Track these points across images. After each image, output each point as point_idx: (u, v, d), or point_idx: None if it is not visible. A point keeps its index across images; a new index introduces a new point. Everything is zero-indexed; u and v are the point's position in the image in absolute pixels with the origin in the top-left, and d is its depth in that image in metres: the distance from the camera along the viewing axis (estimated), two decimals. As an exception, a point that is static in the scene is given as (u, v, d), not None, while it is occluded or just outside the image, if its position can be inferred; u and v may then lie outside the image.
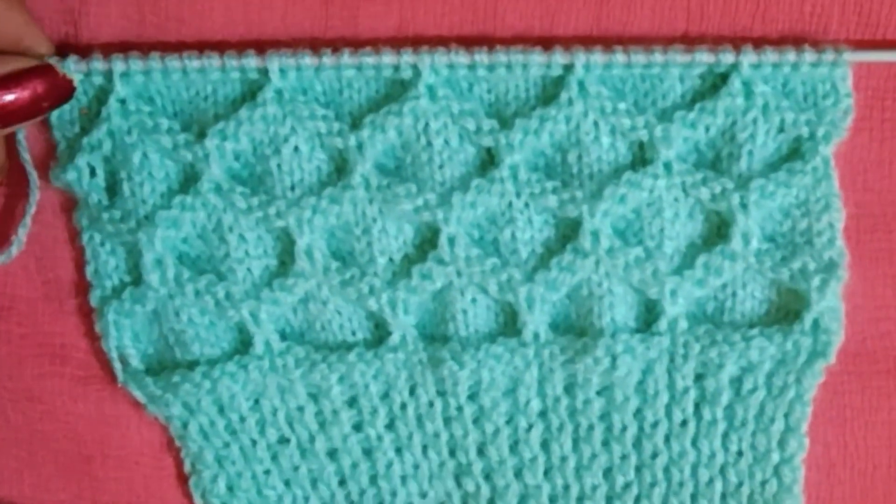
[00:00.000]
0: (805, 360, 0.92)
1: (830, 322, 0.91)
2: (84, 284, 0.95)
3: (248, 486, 0.97)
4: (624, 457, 0.95)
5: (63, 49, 0.90)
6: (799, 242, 0.90)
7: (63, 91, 0.87)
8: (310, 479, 0.97)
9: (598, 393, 0.94)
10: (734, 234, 0.90)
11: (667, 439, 0.95)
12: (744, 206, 0.89)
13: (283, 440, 0.97)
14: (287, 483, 0.97)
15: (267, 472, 0.97)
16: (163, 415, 0.96)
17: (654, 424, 0.94)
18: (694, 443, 0.95)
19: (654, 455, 0.95)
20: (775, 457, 0.94)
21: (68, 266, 0.96)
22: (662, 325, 0.92)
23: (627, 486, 0.96)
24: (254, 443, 0.96)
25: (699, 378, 0.93)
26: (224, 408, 0.95)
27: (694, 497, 0.96)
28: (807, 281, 0.90)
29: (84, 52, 0.89)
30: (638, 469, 0.96)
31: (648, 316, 0.93)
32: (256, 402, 0.95)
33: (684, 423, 0.94)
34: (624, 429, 0.95)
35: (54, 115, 0.90)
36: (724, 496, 0.95)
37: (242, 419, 0.96)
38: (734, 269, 0.91)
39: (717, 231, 0.91)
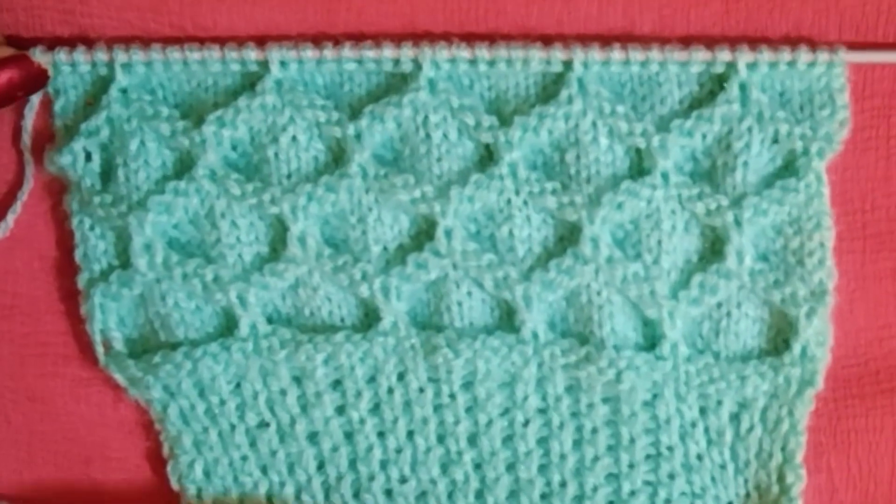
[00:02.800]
0: (795, 392, 0.91)
1: (817, 348, 0.91)
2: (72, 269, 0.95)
3: (224, 472, 0.96)
4: (632, 465, 0.94)
5: (67, 41, 0.91)
6: (791, 262, 0.90)
7: (37, 79, 0.90)
8: (287, 465, 0.96)
9: (604, 401, 0.93)
10: (729, 253, 0.90)
11: (686, 468, 0.94)
12: (738, 223, 0.89)
13: (263, 424, 0.95)
14: (264, 469, 0.96)
15: (244, 457, 0.96)
16: (143, 398, 0.95)
17: (670, 449, 0.93)
18: (713, 479, 0.94)
19: (672, 476, 0.94)
20: (775, 490, 0.93)
21: (60, 249, 0.96)
22: (665, 349, 0.91)
23: (633, 493, 0.94)
24: (233, 427, 0.95)
25: (703, 412, 0.93)
26: (205, 391, 0.94)
27: None
28: (796, 308, 0.90)
29: (88, 43, 0.91)
30: (648, 483, 0.94)
31: (646, 330, 0.92)
32: (238, 385, 0.94)
33: (700, 457, 0.93)
34: (632, 441, 0.93)
35: (58, 103, 0.92)
36: None
37: (223, 402, 0.94)
38: (729, 288, 0.90)
39: (712, 247, 0.91)
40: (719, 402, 0.92)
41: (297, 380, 0.94)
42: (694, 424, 0.93)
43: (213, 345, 0.93)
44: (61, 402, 0.98)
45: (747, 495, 0.94)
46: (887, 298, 0.93)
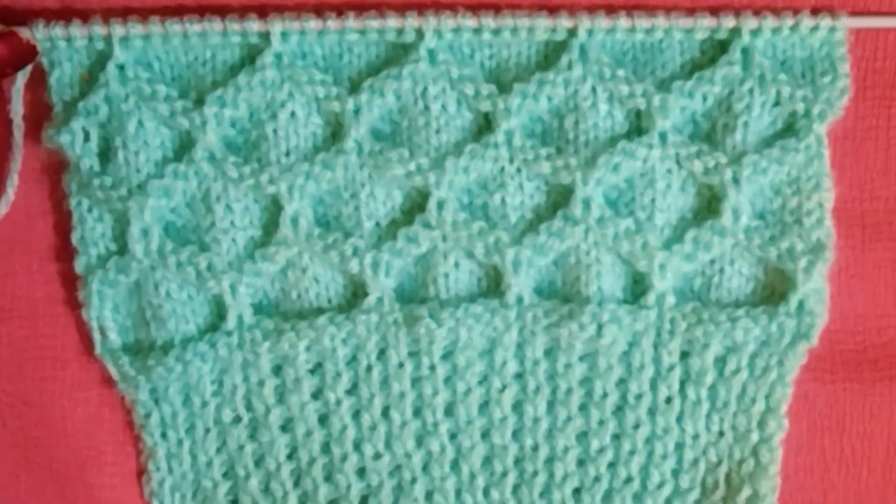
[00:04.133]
0: (788, 342, 0.92)
1: (815, 304, 0.91)
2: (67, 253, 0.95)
3: (186, 487, 0.97)
4: (601, 422, 0.94)
5: (65, 14, 0.90)
6: (788, 221, 0.90)
7: (26, 55, 0.89)
8: (254, 458, 0.96)
9: (581, 359, 0.93)
10: (725, 210, 0.90)
11: (650, 413, 0.94)
12: (736, 181, 0.89)
13: (237, 420, 0.96)
14: (228, 470, 0.97)
15: (209, 463, 0.97)
16: (129, 396, 0.96)
17: (639, 397, 0.94)
18: (679, 420, 0.94)
19: (637, 426, 0.94)
20: (754, 437, 0.94)
21: (59, 252, 0.96)
22: (650, 298, 0.91)
23: (602, 450, 0.95)
24: (206, 432, 0.96)
25: (684, 356, 0.93)
26: (189, 395, 0.95)
27: (676, 472, 0.95)
28: (794, 262, 0.90)
29: (85, 16, 0.90)
30: (616, 437, 0.95)
31: (636, 287, 0.93)
32: (220, 383, 0.95)
33: (669, 399, 0.94)
34: (605, 395, 0.94)
35: (54, 77, 0.90)
36: (704, 473, 0.95)
37: (204, 404, 0.95)
38: (723, 245, 0.91)
39: (708, 206, 0.91)
40: (705, 346, 0.92)
41: (277, 369, 0.95)
42: (671, 368, 0.93)
43: (202, 343, 0.93)
44: (58, 406, 0.98)
45: (720, 433, 0.95)
46: (885, 288, 0.94)
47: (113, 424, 0.98)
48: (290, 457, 0.97)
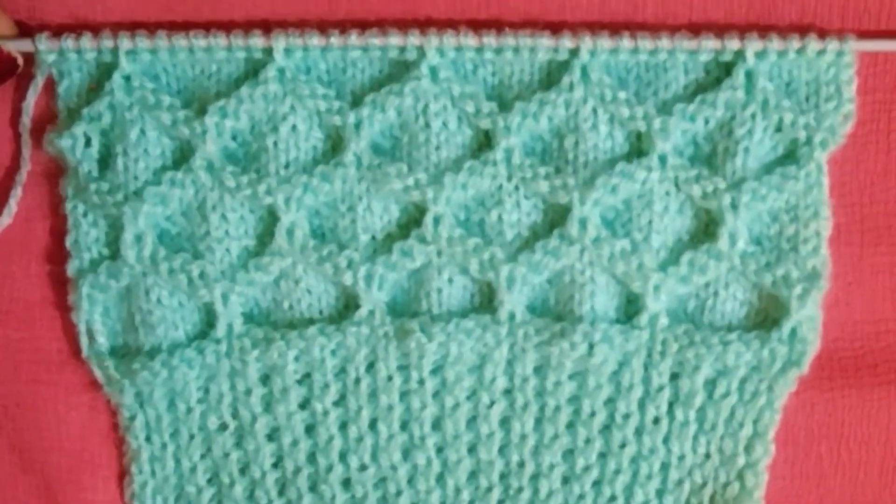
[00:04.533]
0: (779, 369, 0.92)
1: (808, 332, 0.91)
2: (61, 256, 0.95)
3: (168, 492, 0.97)
4: (588, 441, 0.94)
5: (75, 27, 0.91)
6: (785, 248, 0.90)
7: (7, 68, 0.89)
8: (239, 466, 0.96)
9: (570, 377, 0.93)
10: (721, 234, 0.90)
11: (637, 433, 0.94)
12: (734, 206, 0.89)
13: (222, 427, 0.96)
14: (212, 476, 0.97)
15: (193, 468, 0.97)
16: (115, 400, 0.96)
17: (626, 416, 0.94)
18: (665, 441, 0.94)
19: (623, 445, 0.94)
20: (741, 461, 0.94)
21: (58, 254, 0.96)
22: (643, 319, 0.91)
23: (587, 468, 0.95)
24: (191, 437, 0.96)
25: (674, 377, 0.93)
26: (174, 400, 0.95)
27: (660, 493, 0.96)
28: (788, 289, 0.90)
29: (95, 29, 0.90)
30: (602, 455, 0.95)
31: (629, 308, 0.93)
32: (206, 391, 0.95)
33: (657, 420, 0.94)
34: (592, 414, 0.94)
35: (62, 86, 0.91)
36: (689, 495, 0.95)
37: (189, 410, 0.95)
38: (719, 269, 0.90)
39: (706, 229, 0.91)
40: (696, 368, 0.92)
41: (265, 378, 0.95)
42: (660, 389, 0.93)
43: (189, 350, 0.93)
44: (52, 409, 0.98)
45: (706, 455, 0.95)
46: (884, 293, 0.94)
47: (107, 428, 0.98)
48: (275, 465, 0.97)
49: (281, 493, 0.97)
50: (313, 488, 0.97)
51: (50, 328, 0.97)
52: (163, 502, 0.98)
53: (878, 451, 0.96)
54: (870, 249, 0.93)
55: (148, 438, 0.96)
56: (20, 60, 0.89)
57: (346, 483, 0.97)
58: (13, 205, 0.93)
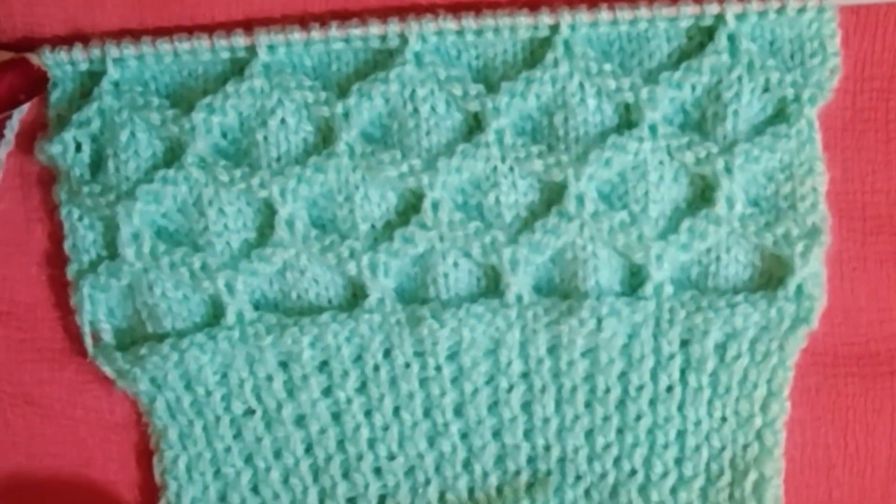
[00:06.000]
0: (788, 327, 0.91)
1: (814, 288, 0.91)
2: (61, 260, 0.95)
3: (205, 467, 0.97)
4: (606, 418, 0.94)
5: (74, 38, 0.92)
6: (783, 207, 0.90)
7: (38, 82, 0.90)
8: (273, 451, 0.96)
9: (583, 355, 0.93)
10: (719, 199, 0.90)
11: (651, 403, 0.94)
12: (728, 170, 0.89)
13: (249, 412, 0.96)
14: (247, 459, 0.97)
15: (227, 449, 0.96)
16: (130, 391, 0.96)
17: (640, 388, 0.94)
18: (680, 409, 0.94)
19: (638, 418, 0.94)
20: (758, 421, 0.94)
21: (57, 255, 0.96)
22: (648, 289, 0.92)
23: (607, 446, 0.95)
24: (218, 419, 0.96)
25: (684, 344, 0.93)
26: (191, 382, 0.95)
27: (679, 461, 0.95)
28: (790, 247, 0.90)
29: (84, 38, 0.91)
30: (619, 431, 0.95)
31: (633, 280, 0.93)
32: (224, 375, 0.95)
33: (670, 388, 0.94)
34: (607, 391, 0.94)
35: (53, 94, 0.92)
36: (707, 460, 0.95)
37: (209, 393, 0.95)
38: (719, 234, 0.90)
39: (702, 195, 0.91)
40: (705, 333, 0.92)
41: (284, 364, 0.95)
42: (671, 357, 0.93)
43: (200, 335, 0.93)
44: (59, 406, 0.98)
45: (723, 419, 0.95)
46: (888, 282, 0.93)
47: (114, 421, 0.99)
48: (307, 452, 0.97)
49: (315, 480, 0.97)
50: (346, 476, 0.97)
51: (52, 328, 0.97)
52: (199, 477, 0.97)
53: (885, 440, 0.95)
54: (872, 238, 0.92)
55: (173, 416, 0.96)
56: (49, 74, 0.90)
57: (378, 472, 0.97)
58: None
